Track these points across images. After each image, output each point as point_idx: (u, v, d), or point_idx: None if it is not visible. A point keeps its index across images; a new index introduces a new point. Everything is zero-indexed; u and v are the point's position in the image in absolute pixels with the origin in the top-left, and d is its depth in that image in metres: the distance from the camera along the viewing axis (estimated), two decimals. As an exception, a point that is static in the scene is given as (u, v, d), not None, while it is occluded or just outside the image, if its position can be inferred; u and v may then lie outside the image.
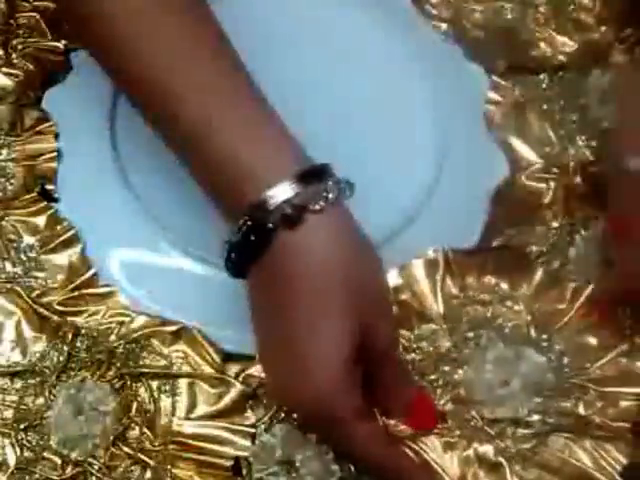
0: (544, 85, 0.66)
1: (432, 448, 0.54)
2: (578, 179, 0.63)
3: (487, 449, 0.54)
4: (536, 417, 0.55)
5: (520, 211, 0.62)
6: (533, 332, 0.57)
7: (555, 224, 0.61)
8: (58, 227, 0.60)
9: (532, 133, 0.64)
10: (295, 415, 0.54)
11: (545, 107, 0.65)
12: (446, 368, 0.56)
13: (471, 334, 0.57)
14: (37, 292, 0.58)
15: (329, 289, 0.49)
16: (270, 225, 0.49)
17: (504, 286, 0.59)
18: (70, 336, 0.56)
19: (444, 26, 0.68)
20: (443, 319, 0.57)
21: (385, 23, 0.66)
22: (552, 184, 0.62)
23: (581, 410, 0.55)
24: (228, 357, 0.57)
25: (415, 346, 0.56)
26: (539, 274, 0.59)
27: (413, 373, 0.56)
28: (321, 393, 0.49)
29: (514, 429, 0.55)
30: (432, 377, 0.56)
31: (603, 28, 0.67)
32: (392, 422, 0.54)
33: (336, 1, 0.66)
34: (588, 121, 0.64)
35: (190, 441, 0.54)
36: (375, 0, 0.67)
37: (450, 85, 0.65)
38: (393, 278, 0.57)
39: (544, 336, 0.57)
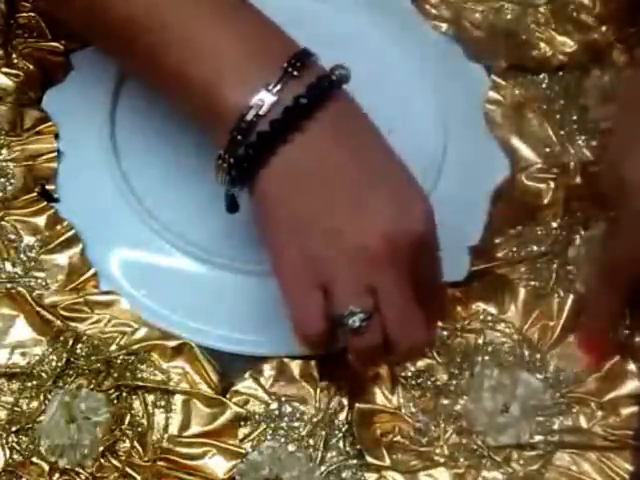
0: (544, 85, 0.66)
1: (442, 480, 0.55)
2: (578, 179, 0.63)
3: (495, 475, 0.54)
4: (539, 438, 0.55)
5: (520, 211, 0.62)
6: (526, 352, 0.57)
7: (555, 224, 0.61)
8: (58, 227, 0.60)
9: (532, 133, 0.64)
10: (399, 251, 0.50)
11: (545, 107, 0.65)
12: (445, 401, 0.56)
13: (465, 364, 0.57)
14: (38, 292, 0.58)
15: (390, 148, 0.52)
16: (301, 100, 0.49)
17: (492, 310, 0.59)
18: (71, 342, 0.56)
19: (444, 26, 0.68)
20: (437, 352, 0.57)
21: (385, 23, 0.66)
22: (552, 184, 0.62)
23: (583, 423, 0.56)
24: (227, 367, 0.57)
25: (413, 382, 0.56)
26: (522, 293, 0.59)
27: (414, 409, 0.56)
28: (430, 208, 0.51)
29: (519, 453, 0.55)
30: (434, 411, 0.56)
31: (603, 28, 0.67)
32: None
33: (336, 1, 0.66)
34: (588, 121, 0.65)
35: (179, 459, 0.54)
36: (375, 0, 0.67)
37: (450, 85, 0.65)
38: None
39: (537, 356, 0.57)
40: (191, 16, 0.52)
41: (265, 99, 0.49)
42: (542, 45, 0.67)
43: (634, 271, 0.55)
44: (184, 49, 0.52)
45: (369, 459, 0.54)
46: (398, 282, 0.50)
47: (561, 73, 0.66)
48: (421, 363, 0.57)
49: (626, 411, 0.56)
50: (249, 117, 0.50)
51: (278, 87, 0.50)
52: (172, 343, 0.57)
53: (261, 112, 0.49)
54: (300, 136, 0.50)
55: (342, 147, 0.51)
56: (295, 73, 0.50)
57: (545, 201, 0.62)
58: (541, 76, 0.66)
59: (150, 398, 0.56)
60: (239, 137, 0.50)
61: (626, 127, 0.55)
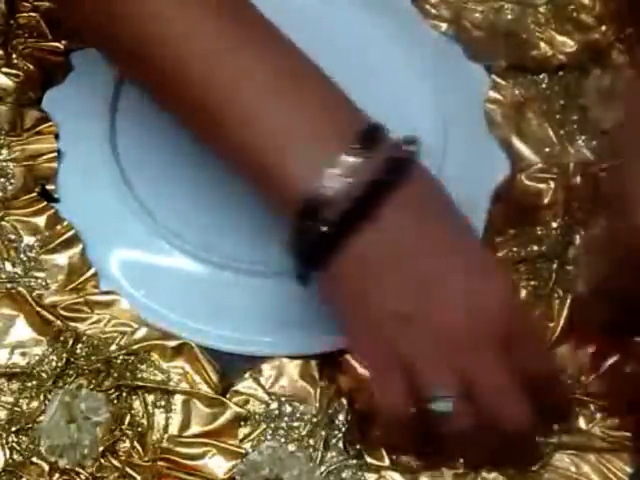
0: (544, 85, 0.66)
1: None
2: (578, 179, 0.63)
3: (495, 476, 0.54)
4: (538, 439, 0.54)
5: (520, 211, 0.62)
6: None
7: (555, 224, 0.61)
8: (58, 227, 0.60)
9: (532, 133, 0.64)
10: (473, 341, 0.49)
11: (545, 107, 0.65)
12: None
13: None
14: (38, 292, 0.58)
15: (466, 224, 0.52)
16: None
17: None
18: (71, 342, 0.56)
19: (444, 26, 0.68)
20: None
21: (385, 23, 0.66)
22: (552, 184, 0.62)
23: (582, 425, 0.55)
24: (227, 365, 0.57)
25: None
26: (523, 294, 0.59)
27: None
28: (509, 298, 0.49)
29: None
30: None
31: (603, 28, 0.67)
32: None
33: (336, 1, 0.66)
34: (588, 121, 0.64)
35: (179, 459, 0.54)
36: (375, 0, 0.67)
37: (450, 85, 0.65)
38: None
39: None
40: (245, 81, 0.50)
41: (335, 185, 0.48)
42: (542, 45, 0.67)
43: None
44: (240, 118, 0.50)
45: (369, 459, 0.54)
46: (487, 362, 0.49)
47: (561, 73, 0.66)
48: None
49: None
50: (318, 205, 0.48)
51: (348, 171, 0.48)
52: (172, 343, 0.56)
53: (330, 200, 0.48)
54: (371, 224, 0.48)
55: (414, 229, 0.49)
56: (365, 154, 0.48)
57: (545, 201, 0.62)
58: (541, 76, 0.66)
59: (150, 398, 0.56)
60: (308, 224, 0.48)
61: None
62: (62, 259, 0.59)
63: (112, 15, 0.52)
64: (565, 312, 0.58)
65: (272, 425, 0.55)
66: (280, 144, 0.49)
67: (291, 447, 0.54)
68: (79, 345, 0.56)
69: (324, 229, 0.48)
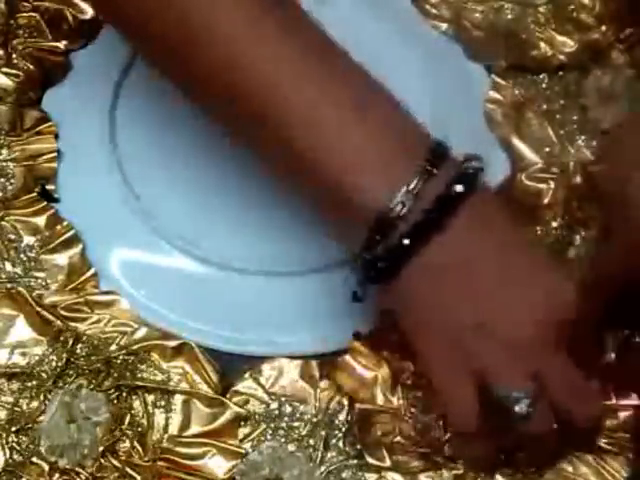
0: (544, 85, 0.66)
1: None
2: (578, 179, 0.63)
3: (495, 477, 0.54)
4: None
5: (520, 211, 0.62)
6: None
7: (555, 224, 0.61)
8: (58, 227, 0.60)
9: (532, 133, 0.64)
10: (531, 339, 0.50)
11: (545, 107, 0.65)
12: None
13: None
14: (38, 292, 0.58)
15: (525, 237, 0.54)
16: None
17: None
18: (71, 342, 0.56)
19: (444, 26, 0.68)
20: None
21: (385, 23, 0.66)
22: (552, 184, 0.62)
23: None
24: (226, 366, 0.57)
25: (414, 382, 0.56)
26: None
27: (415, 409, 0.55)
28: (573, 302, 0.50)
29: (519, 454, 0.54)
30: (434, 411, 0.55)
31: (603, 28, 0.67)
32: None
33: (335, 1, 0.66)
34: (588, 121, 0.64)
35: (179, 459, 0.54)
36: (375, 0, 0.67)
37: (450, 85, 0.65)
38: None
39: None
40: (317, 101, 0.50)
41: (406, 200, 0.48)
42: (542, 45, 0.67)
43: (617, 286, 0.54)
44: (312, 135, 0.49)
45: (369, 459, 0.54)
46: (559, 362, 0.50)
47: (561, 73, 0.66)
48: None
49: (624, 414, 0.56)
50: (391, 220, 0.48)
51: (418, 187, 0.48)
52: (172, 343, 0.56)
53: (402, 213, 0.48)
54: (440, 236, 0.49)
55: (481, 241, 0.50)
56: (434, 171, 0.49)
57: (545, 201, 0.62)
58: (541, 76, 0.66)
59: (150, 398, 0.56)
60: (378, 237, 0.49)
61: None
62: (62, 259, 0.59)
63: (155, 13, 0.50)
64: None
65: (272, 425, 0.55)
66: (348, 155, 0.50)
67: (291, 447, 0.54)
68: (79, 345, 0.56)
69: (395, 242, 0.49)
